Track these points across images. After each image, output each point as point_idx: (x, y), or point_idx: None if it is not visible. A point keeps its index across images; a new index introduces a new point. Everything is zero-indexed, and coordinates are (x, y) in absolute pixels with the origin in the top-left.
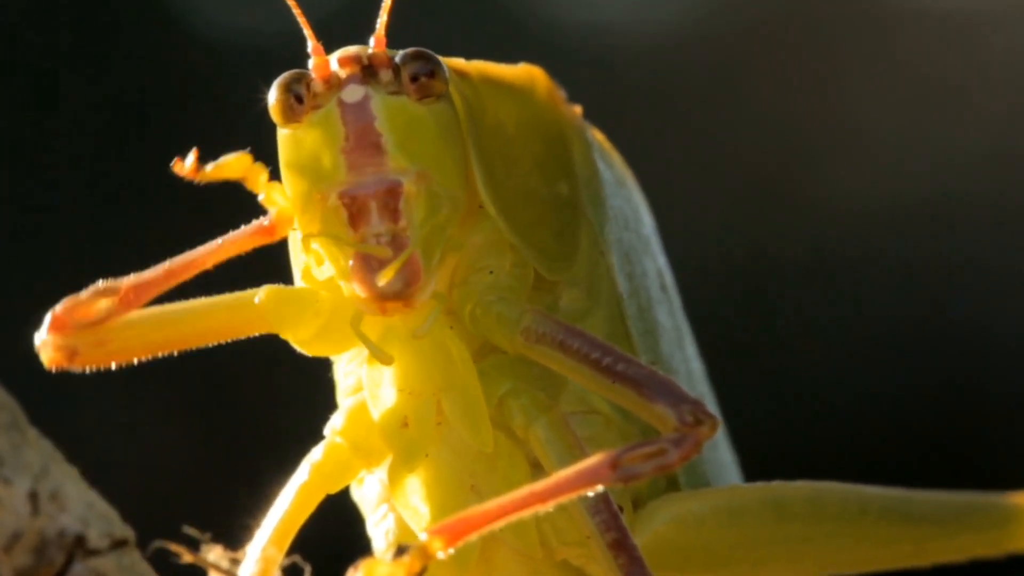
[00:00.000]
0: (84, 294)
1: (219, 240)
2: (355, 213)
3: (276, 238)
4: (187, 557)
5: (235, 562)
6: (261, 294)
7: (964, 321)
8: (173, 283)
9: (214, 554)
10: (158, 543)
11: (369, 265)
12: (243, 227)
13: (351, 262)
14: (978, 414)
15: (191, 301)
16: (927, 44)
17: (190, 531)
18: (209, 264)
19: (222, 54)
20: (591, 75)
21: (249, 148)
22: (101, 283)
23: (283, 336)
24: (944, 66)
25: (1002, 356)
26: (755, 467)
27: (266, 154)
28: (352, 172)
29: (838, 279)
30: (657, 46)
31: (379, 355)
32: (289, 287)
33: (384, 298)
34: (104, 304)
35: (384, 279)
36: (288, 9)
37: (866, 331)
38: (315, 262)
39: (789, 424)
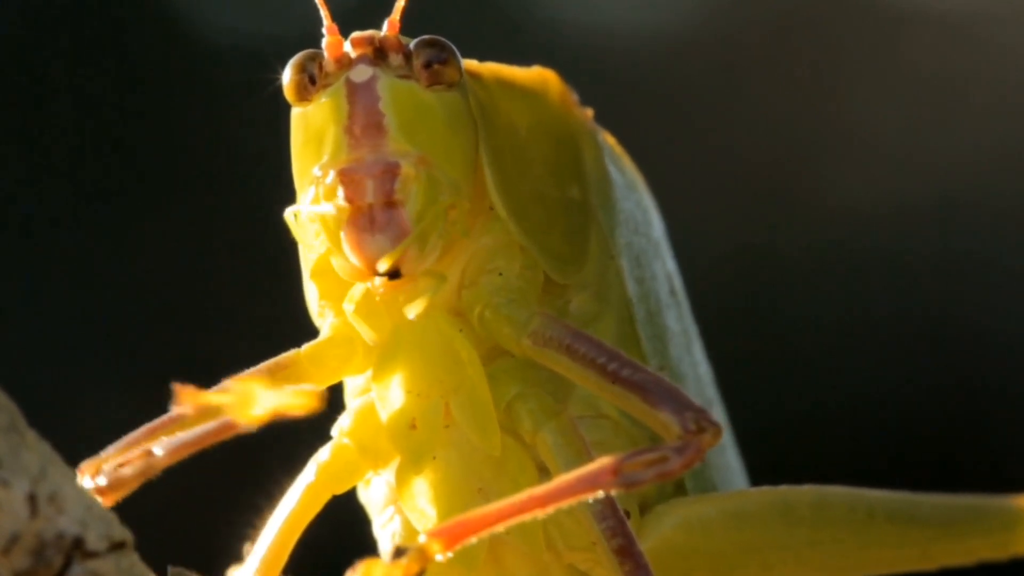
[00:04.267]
0: (129, 469)
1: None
2: (351, 191)
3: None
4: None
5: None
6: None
7: (964, 321)
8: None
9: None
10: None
11: (362, 229)
12: None
13: (344, 232)
14: (982, 415)
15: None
16: (928, 44)
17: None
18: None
19: (223, 57)
20: (590, 76)
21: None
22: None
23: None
24: (945, 66)
25: (1003, 356)
26: (761, 471)
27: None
28: (352, 151)
29: (842, 279)
30: (658, 47)
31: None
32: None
33: (373, 266)
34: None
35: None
36: (290, 13)
37: (870, 332)
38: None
39: (793, 427)
